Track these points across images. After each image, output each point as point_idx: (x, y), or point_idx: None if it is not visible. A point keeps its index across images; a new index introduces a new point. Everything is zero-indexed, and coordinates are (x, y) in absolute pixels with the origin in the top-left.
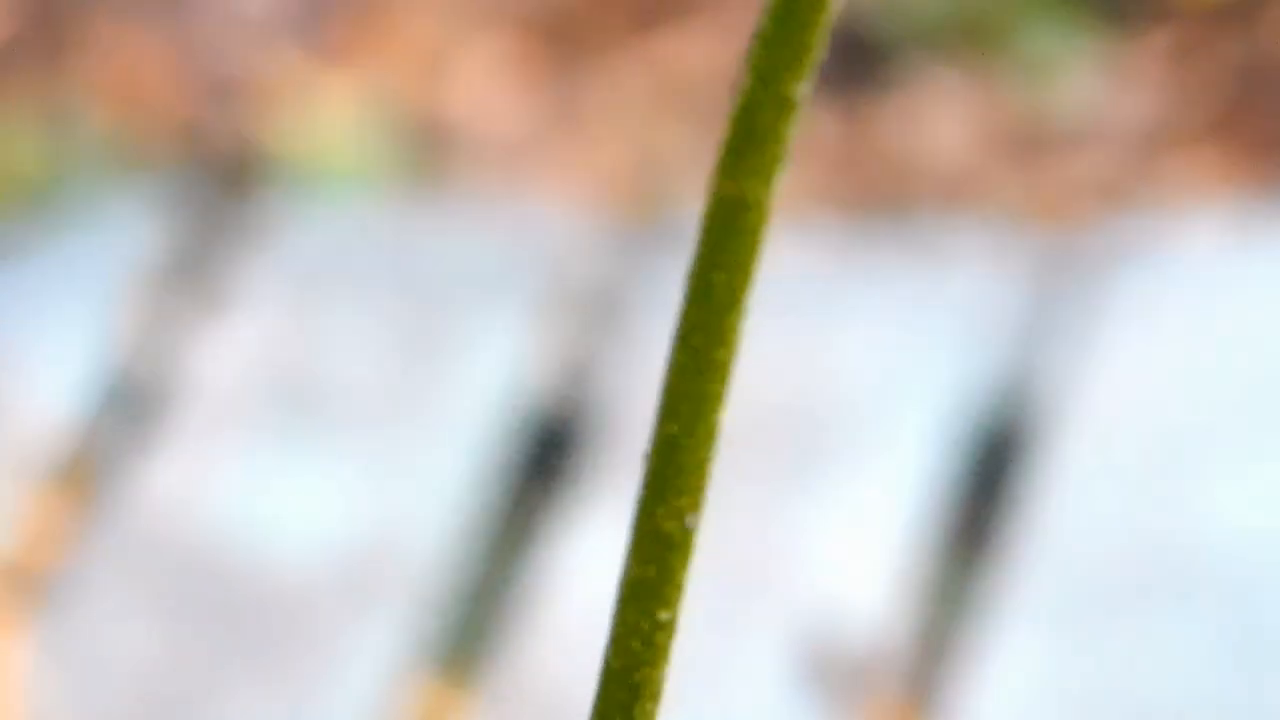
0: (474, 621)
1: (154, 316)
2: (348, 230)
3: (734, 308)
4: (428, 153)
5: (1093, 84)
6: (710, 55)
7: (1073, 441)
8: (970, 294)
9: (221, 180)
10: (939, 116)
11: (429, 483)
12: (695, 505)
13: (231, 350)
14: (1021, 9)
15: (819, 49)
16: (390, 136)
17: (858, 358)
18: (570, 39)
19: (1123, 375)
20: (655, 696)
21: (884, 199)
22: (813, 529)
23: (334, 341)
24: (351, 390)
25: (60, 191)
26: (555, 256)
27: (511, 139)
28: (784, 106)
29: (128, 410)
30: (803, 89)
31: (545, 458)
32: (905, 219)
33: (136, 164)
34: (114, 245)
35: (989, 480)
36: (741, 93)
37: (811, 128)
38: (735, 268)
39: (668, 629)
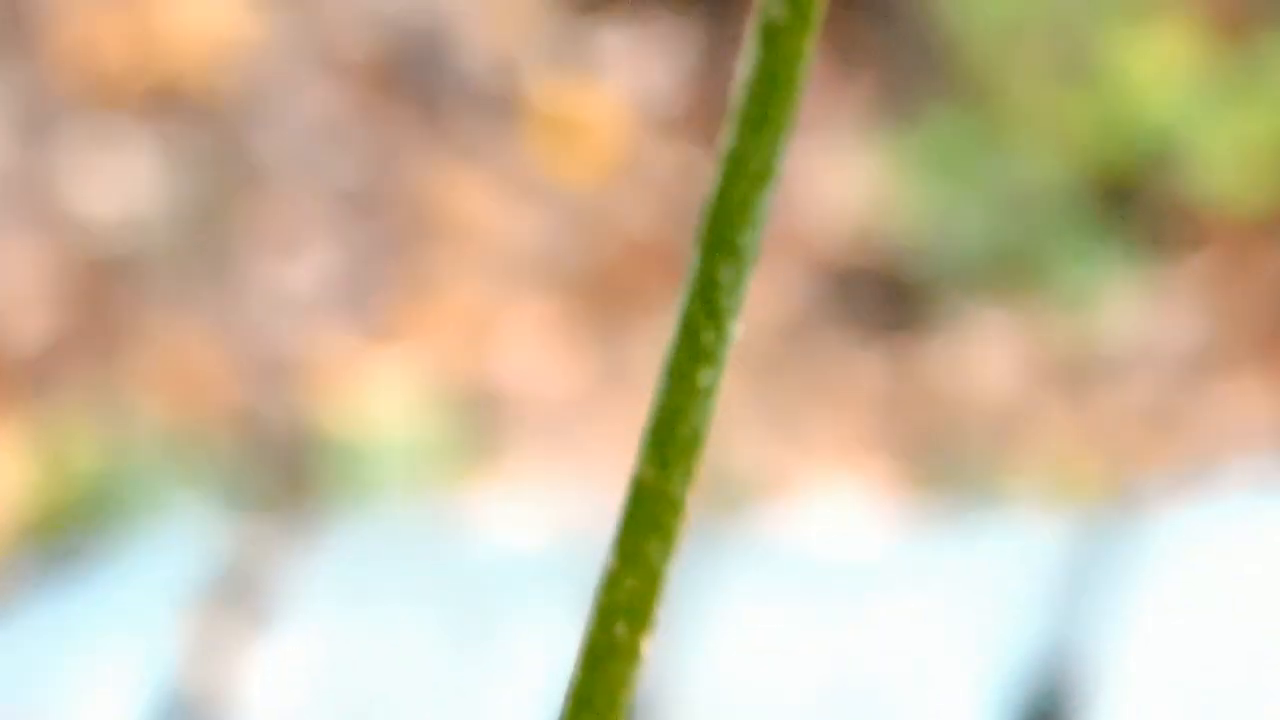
0: None
1: (207, 633)
2: (398, 523)
3: (645, 615)
4: (478, 422)
5: (1135, 311)
6: (758, 310)
7: (1116, 710)
8: (1012, 562)
9: (277, 467)
10: (984, 355)
11: None
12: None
13: (282, 666)
14: (1060, 241)
15: (730, 342)
16: (441, 408)
17: (900, 633)
18: (614, 300)
19: (1165, 639)
20: None
21: (932, 442)
22: None
23: (384, 650)
24: (402, 703)
25: (116, 488)
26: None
27: (560, 403)
28: (697, 396)
29: None
30: (714, 376)
31: None
32: (955, 463)
33: (192, 456)
34: (169, 554)
35: None
36: (659, 386)
37: (856, 372)
38: (650, 562)
39: None
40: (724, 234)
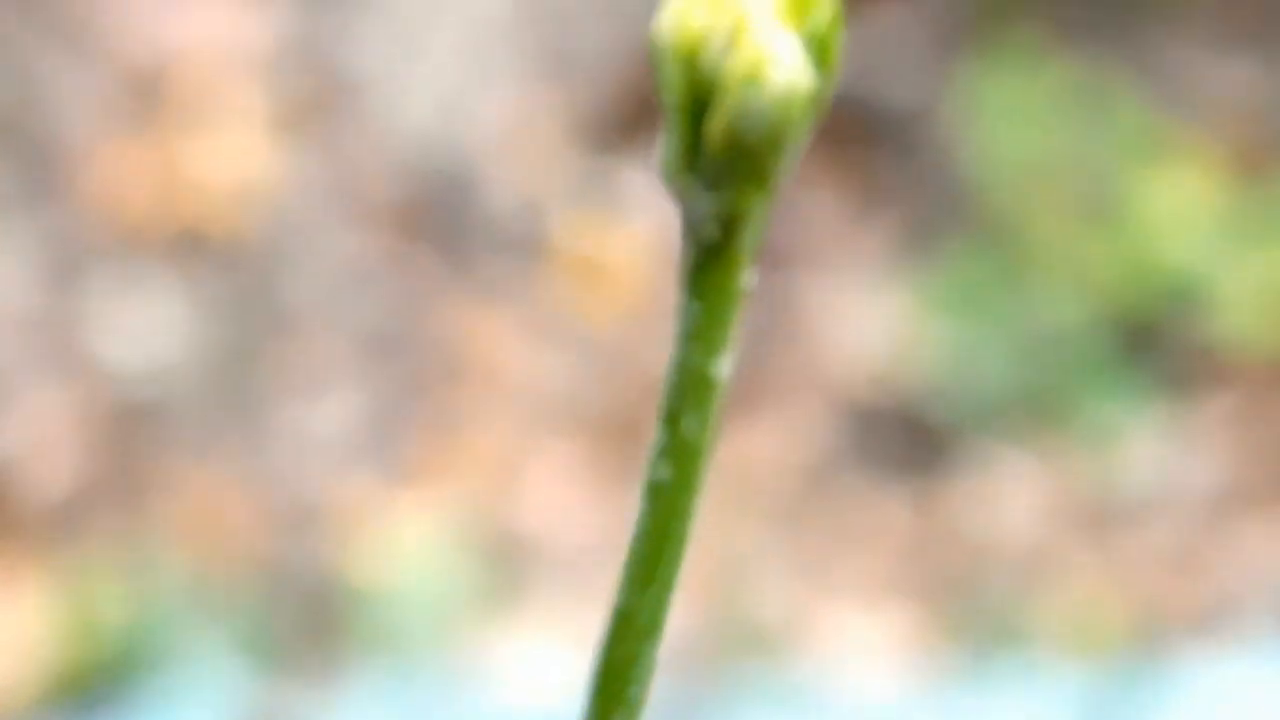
0: None
1: None
2: (421, 675)
3: None
4: (503, 566)
5: (1157, 453)
6: (780, 452)
7: None
8: (1034, 710)
9: (302, 614)
10: (1007, 497)
11: None
12: None
13: None
14: (1082, 382)
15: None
16: (465, 552)
17: None
18: (638, 442)
19: None
20: None
21: (955, 585)
22: None
23: None
24: None
25: (141, 638)
26: None
27: (585, 547)
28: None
29: None
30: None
31: None
32: (977, 607)
33: (217, 604)
34: (194, 704)
35: None
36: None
37: (879, 514)
38: None
39: None
40: (614, 688)
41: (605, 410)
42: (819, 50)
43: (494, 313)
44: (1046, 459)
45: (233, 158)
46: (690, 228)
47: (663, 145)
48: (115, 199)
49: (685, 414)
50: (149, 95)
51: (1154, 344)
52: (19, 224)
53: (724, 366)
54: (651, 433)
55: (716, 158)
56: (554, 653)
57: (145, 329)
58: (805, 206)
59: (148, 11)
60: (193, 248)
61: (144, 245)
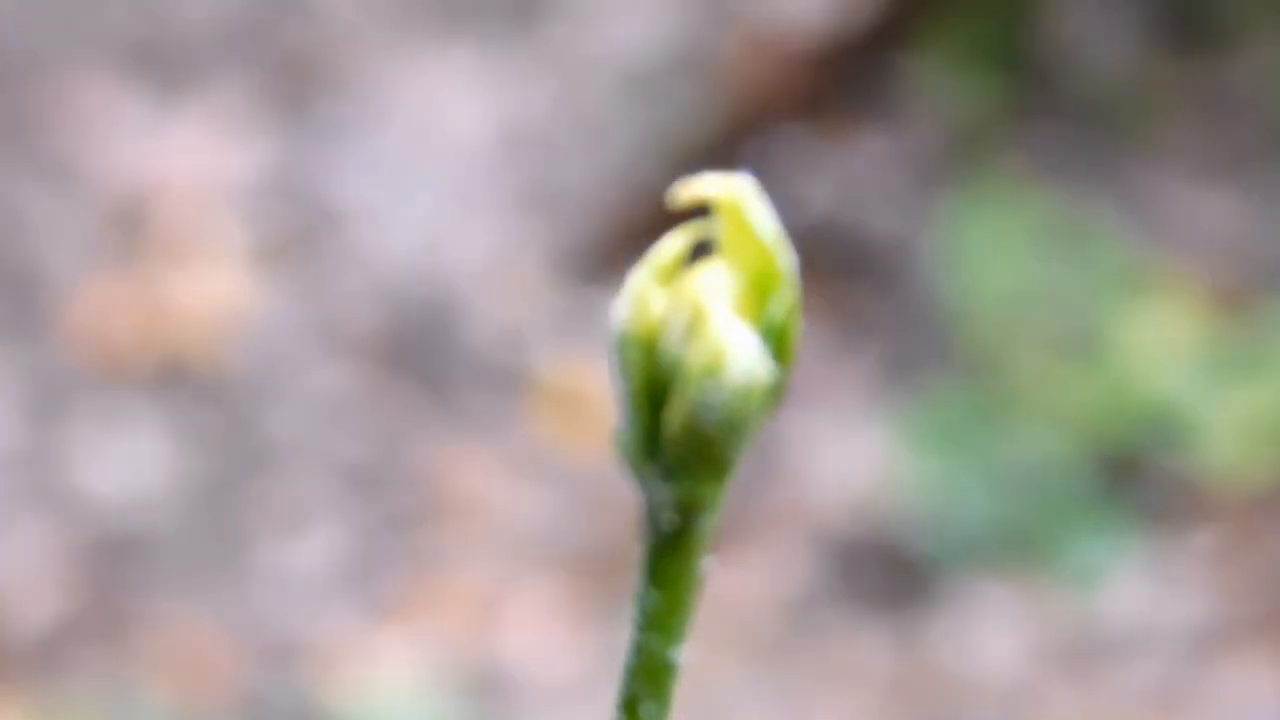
0: None
1: None
2: None
3: None
4: (483, 704)
5: (1139, 588)
6: (761, 587)
7: None
8: None
9: None
10: (987, 633)
11: None
12: None
13: None
14: (1063, 516)
15: None
16: (445, 688)
17: None
18: (619, 577)
19: None
20: None
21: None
22: None
23: None
24: None
25: None
26: None
27: (564, 683)
28: None
29: None
30: None
31: None
32: None
33: None
34: None
35: None
36: None
37: (859, 650)
38: None
39: None
40: None
41: (586, 545)
42: (777, 342)
43: (475, 446)
44: (1028, 594)
45: (214, 290)
46: (649, 514)
47: (622, 430)
48: (97, 331)
49: (644, 700)
50: (131, 228)
51: (1135, 478)
52: (0, 357)
53: (682, 653)
54: (632, 569)
55: (675, 447)
56: None
57: (126, 461)
58: None
59: (130, 145)
60: (174, 380)
61: (126, 377)
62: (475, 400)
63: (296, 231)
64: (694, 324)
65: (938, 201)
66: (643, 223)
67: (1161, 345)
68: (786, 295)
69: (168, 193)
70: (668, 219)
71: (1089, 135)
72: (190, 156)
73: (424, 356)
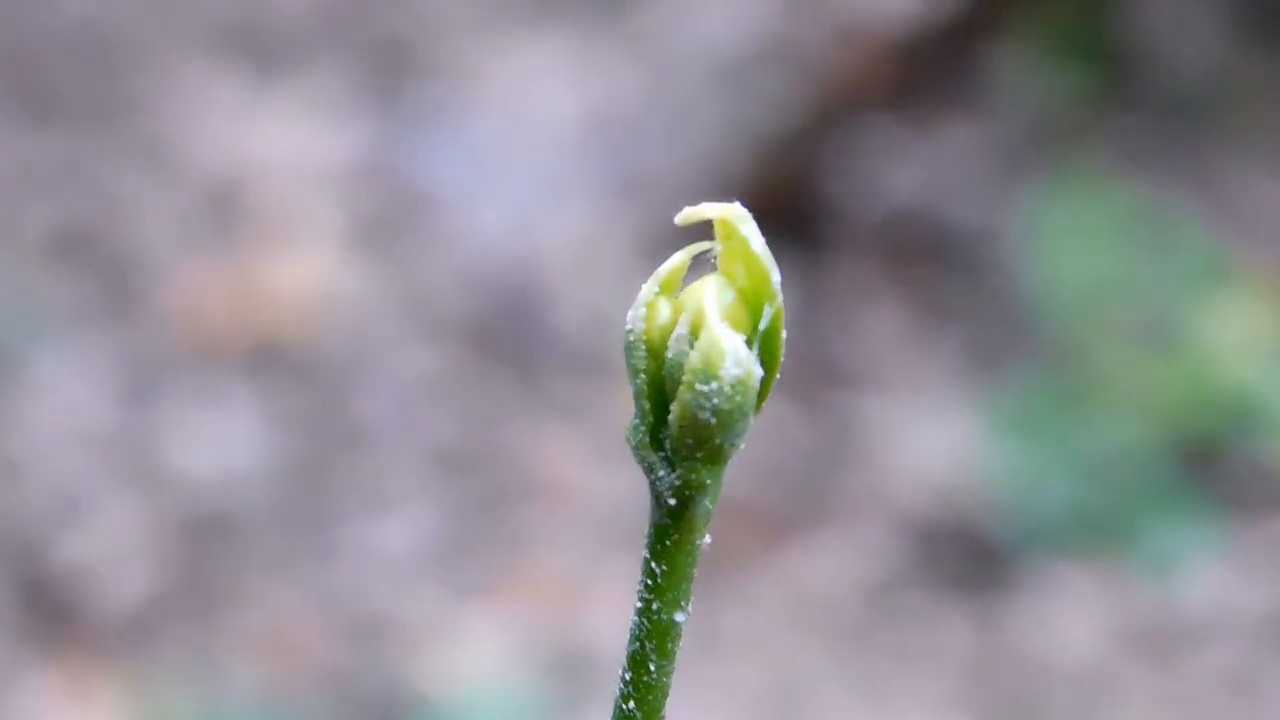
0: None
1: None
2: None
3: None
4: (569, 682)
5: (1217, 575)
6: (843, 571)
7: None
8: None
9: None
10: (1068, 617)
11: None
12: None
13: None
14: (1143, 504)
15: None
16: (532, 668)
17: None
18: (704, 559)
19: None
20: None
21: (1015, 706)
22: None
23: None
24: None
25: None
26: None
27: None
28: None
29: None
30: None
31: None
32: None
33: (287, 715)
34: None
35: None
36: None
37: (940, 634)
38: None
39: None
40: None
41: None
42: (766, 347)
43: (562, 429)
44: (1107, 580)
45: (308, 272)
46: (655, 497)
47: (632, 423)
48: (192, 312)
49: (649, 659)
50: (226, 211)
51: (1214, 466)
52: (97, 337)
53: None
54: (721, 551)
55: (676, 439)
56: None
57: (219, 441)
58: (870, 324)
59: (227, 128)
60: (267, 361)
61: (219, 358)
62: (562, 383)
63: (389, 215)
64: (694, 331)
65: (1022, 191)
66: None
67: (1241, 335)
68: (774, 307)
69: (263, 176)
70: (753, 207)
71: (1172, 127)
72: (285, 140)
73: (512, 340)
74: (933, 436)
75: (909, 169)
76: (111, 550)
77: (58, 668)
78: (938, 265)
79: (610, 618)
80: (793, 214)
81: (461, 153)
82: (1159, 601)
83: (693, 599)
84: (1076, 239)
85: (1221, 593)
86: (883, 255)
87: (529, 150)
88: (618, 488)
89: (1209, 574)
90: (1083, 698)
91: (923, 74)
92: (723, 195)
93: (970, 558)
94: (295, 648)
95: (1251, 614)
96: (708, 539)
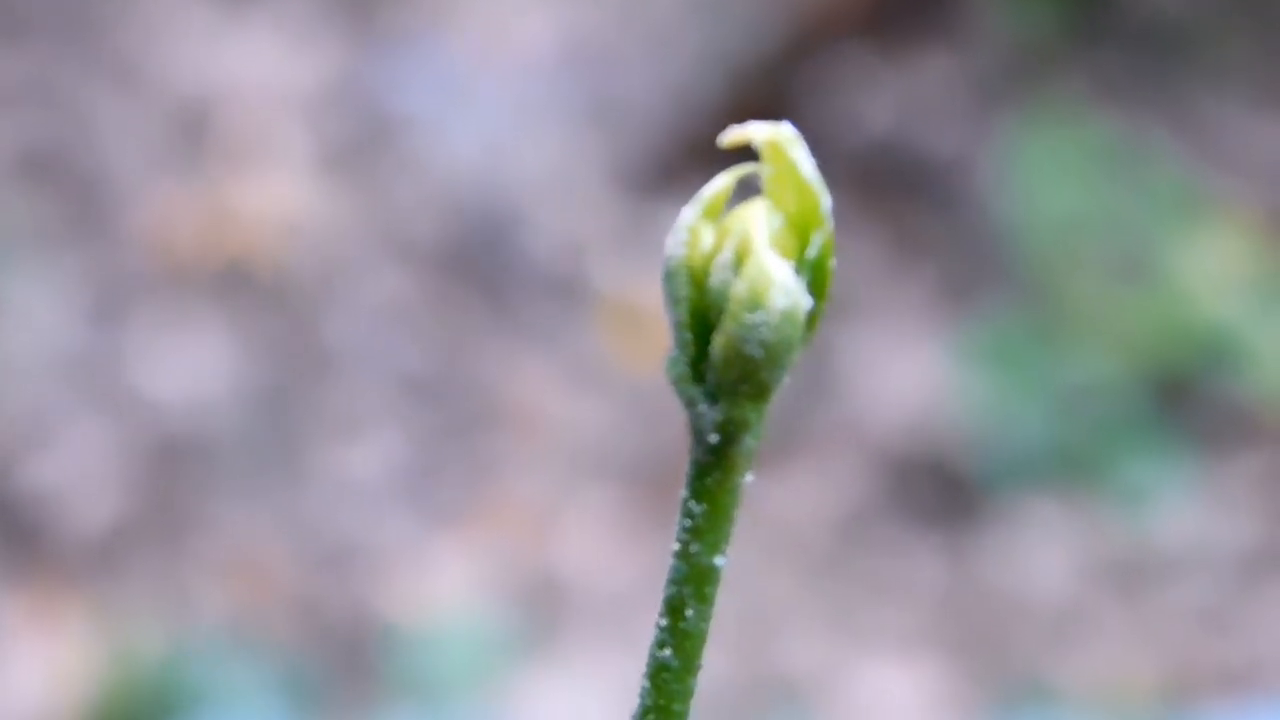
0: None
1: None
2: (456, 715)
3: None
4: (539, 611)
5: (1190, 510)
6: (814, 503)
7: None
8: None
9: (337, 654)
10: (1039, 551)
11: None
12: None
13: None
14: (1116, 438)
15: None
16: (501, 596)
17: None
18: (675, 488)
19: None
20: None
21: (986, 639)
22: None
23: None
24: None
25: (178, 675)
26: None
27: (620, 592)
28: None
29: None
30: None
31: None
32: (1007, 661)
33: (255, 643)
34: None
35: None
36: None
37: (912, 567)
38: None
39: None
40: None
41: (642, 457)
42: (815, 276)
43: (533, 357)
44: (1079, 514)
45: (278, 196)
46: (696, 433)
47: (672, 356)
48: (161, 236)
49: (688, 604)
50: (196, 133)
51: (1188, 401)
52: (65, 260)
53: (722, 560)
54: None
55: (719, 372)
56: (587, 697)
57: (187, 366)
58: (843, 256)
59: (196, 52)
60: (236, 285)
61: (188, 282)
62: (535, 311)
63: (360, 140)
64: (739, 258)
65: (997, 122)
66: (704, 138)
67: (1216, 269)
68: (824, 234)
69: (233, 99)
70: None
71: (1148, 59)
72: (257, 63)
73: (485, 267)
74: (906, 369)
75: (884, 99)
76: (79, 474)
77: (25, 592)
78: (912, 197)
79: (580, 547)
80: None
81: (434, 77)
82: (1131, 536)
83: (662, 531)
84: (1052, 172)
85: (1194, 527)
86: (856, 186)
87: (502, 75)
88: (589, 418)
89: (1181, 509)
90: (1054, 631)
91: (898, 3)
92: (697, 124)
93: (942, 491)
94: (263, 574)
95: (1223, 549)
96: (749, 477)
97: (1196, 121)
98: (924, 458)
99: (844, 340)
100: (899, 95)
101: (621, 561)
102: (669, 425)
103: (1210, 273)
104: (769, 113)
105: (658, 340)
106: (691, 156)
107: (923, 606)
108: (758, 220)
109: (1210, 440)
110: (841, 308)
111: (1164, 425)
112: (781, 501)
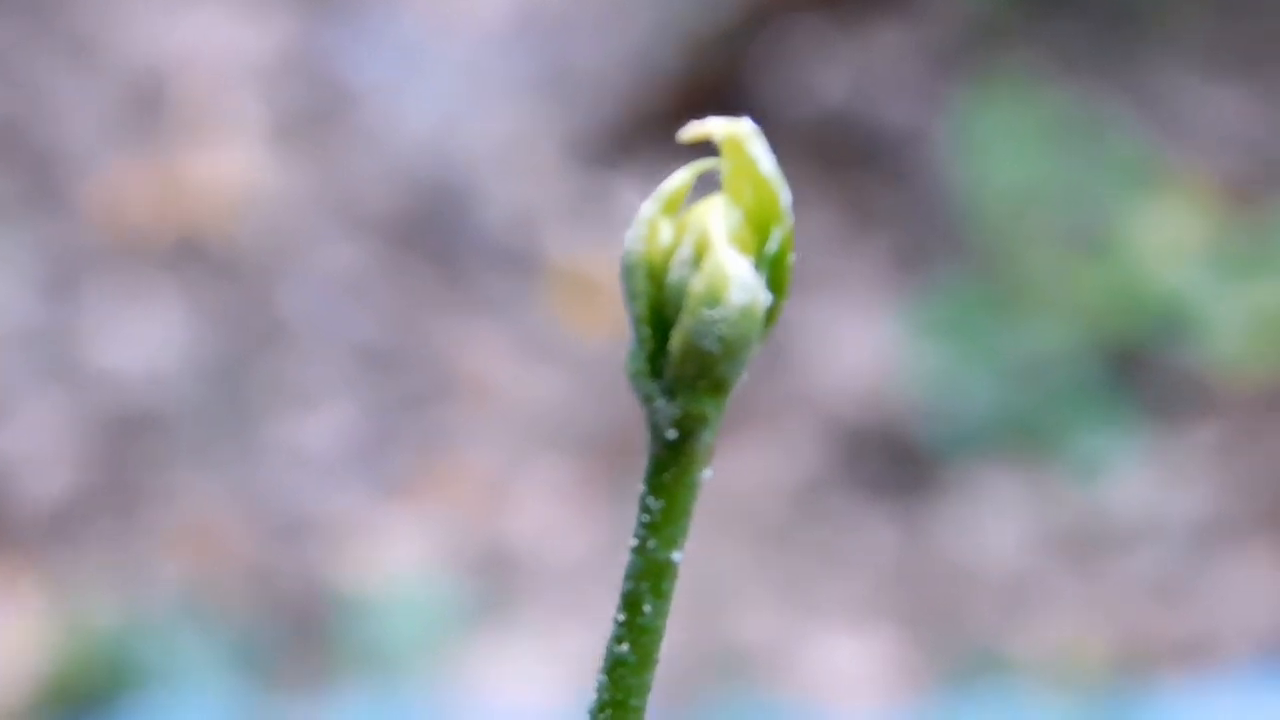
0: None
1: None
2: (409, 684)
3: None
4: (492, 581)
5: (1143, 480)
6: (767, 474)
7: None
8: None
9: (291, 624)
10: (993, 521)
11: None
12: None
13: None
14: (1069, 408)
15: None
16: (454, 567)
17: None
18: (629, 459)
19: None
20: None
21: (939, 609)
22: None
23: None
24: None
25: (132, 646)
26: None
27: (573, 563)
28: None
29: None
30: None
31: None
32: (960, 631)
33: (208, 614)
34: (184, 713)
35: None
36: None
37: (865, 537)
38: None
39: None
40: None
41: (595, 428)
42: (773, 272)
43: (487, 328)
44: (1032, 484)
45: (231, 168)
46: (654, 429)
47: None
48: (114, 208)
49: (645, 599)
50: (149, 106)
51: (1141, 372)
52: (18, 232)
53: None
54: (639, 452)
55: (678, 368)
56: (541, 667)
57: (141, 337)
58: (798, 227)
59: (149, 23)
60: (190, 257)
61: (142, 254)
62: (488, 282)
63: (313, 111)
64: (698, 253)
65: (951, 93)
66: (658, 108)
67: (1170, 240)
68: (783, 230)
69: (186, 71)
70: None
71: (1104, 29)
72: (210, 35)
73: (438, 237)
74: (860, 340)
75: (839, 71)
76: (33, 446)
77: None
78: (866, 168)
79: (533, 519)
80: (721, 114)
81: (388, 47)
82: (1084, 506)
83: (615, 502)
84: (1006, 142)
85: (1147, 497)
86: (811, 157)
87: (456, 46)
88: (542, 389)
89: (1134, 479)
90: (1007, 601)
91: None
92: (650, 94)
93: (895, 461)
94: (217, 545)
95: (1176, 519)
96: (708, 473)
97: (1150, 92)
98: (877, 428)
99: (797, 311)
100: (854, 67)
101: (574, 531)
102: (621, 396)
103: (1164, 243)
104: (724, 84)
105: (609, 311)
106: (645, 128)
107: (876, 577)
108: (716, 216)
109: (1164, 410)
110: (796, 279)
111: (1117, 395)
112: (734, 472)
